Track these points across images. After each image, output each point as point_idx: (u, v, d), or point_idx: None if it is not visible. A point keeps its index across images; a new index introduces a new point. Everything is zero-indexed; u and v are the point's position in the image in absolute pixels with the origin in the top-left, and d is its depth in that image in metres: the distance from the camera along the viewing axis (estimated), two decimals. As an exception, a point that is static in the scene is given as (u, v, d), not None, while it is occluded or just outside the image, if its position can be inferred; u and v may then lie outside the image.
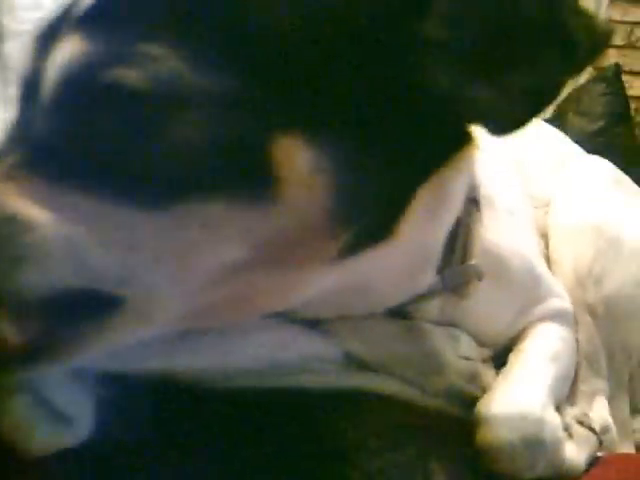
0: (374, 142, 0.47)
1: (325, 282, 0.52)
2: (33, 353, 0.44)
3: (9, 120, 0.53)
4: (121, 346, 0.47)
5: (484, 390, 0.66)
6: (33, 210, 0.42)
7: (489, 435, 0.61)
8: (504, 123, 0.47)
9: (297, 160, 0.44)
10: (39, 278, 0.42)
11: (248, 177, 0.44)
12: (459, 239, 0.63)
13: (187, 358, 0.53)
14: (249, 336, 0.55)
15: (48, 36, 0.46)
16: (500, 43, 0.45)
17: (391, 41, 0.46)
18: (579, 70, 0.46)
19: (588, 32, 0.45)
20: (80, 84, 0.42)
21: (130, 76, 0.41)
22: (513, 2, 0.44)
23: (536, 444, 0.62)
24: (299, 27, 0.44)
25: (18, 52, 0.57)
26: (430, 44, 0.45)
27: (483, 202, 0.66)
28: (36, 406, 0.48)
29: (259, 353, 0.56)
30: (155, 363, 0.51)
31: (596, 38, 0.46)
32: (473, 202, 0.65)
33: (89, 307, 0.44)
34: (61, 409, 0.48)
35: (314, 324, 0.61)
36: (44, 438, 0.48)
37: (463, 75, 0.45)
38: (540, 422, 0.63)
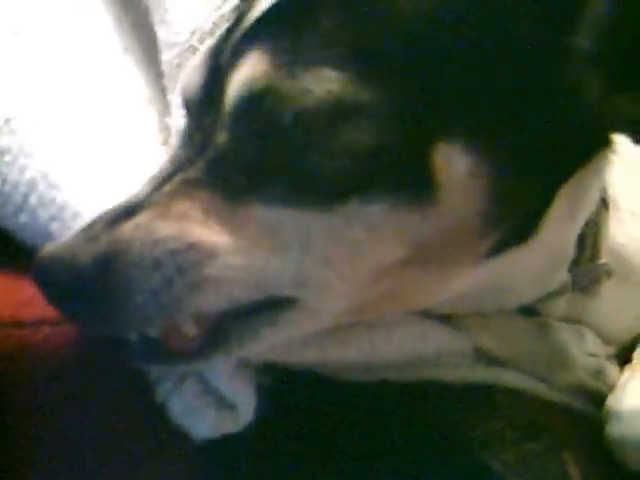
0: (523, 147, 0.49)
1: (469, 280, 0.54)
2: (209, 346, 0.48)
3: (175, 125, 0.57)
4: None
5: (609, 386, 0.68)
6: (213, 236, 0.45)
7: (620, 429, 0.62)
8: None
9: (456, 165, 0.47)
10: (218, 301, 0.46)
11: (410, 181, 0.47)
12: (588, 238, 0.65)
13: (338, 350, 0.56)
14: (394, 329, 0.58)
15: (222, 45, 0.50)
16: None
17: (542, 53, 0.48)
18: None
19: None
20: (263, 99, 0.45)
21: (309, 94, 0.44)
22: None
23: None
24: (456, 42, 0.47)
25: (174, 62, 0.61)
26: (580, 55, 0.48)
27: (609, 202, 0.68)
28: (205, 393, 0.52)
29: (403, 345, 0.58)
30: (310, 354, 0.54)
31: None
32: (602, 202, 0.66)
33: (263, 307, 0.48)
34: (227, 397, 0.52)
35: (446, 319, 0.63)
36: (212, 423, 0.52)
37: (611, 86, 0.48)
38: None
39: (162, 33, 0.63)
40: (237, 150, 0.47)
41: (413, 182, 0.47)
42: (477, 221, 0.49)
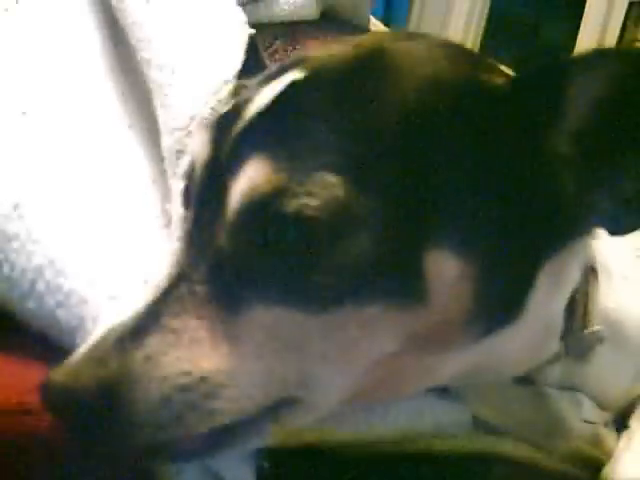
0: (507, 244, 0.52)
1: (460, 363, 0.56)
2: (215, 443, 0.50)
3: (176, 212, 0.59)
4: None
5: (606, 453, 0.68)
6: (222, 363, 0.47)
7: (617, 500, 0.63)
8: (621, 225, 0.52)
9: (446, 269, 0.49)
10: (228, 420, 0.47)
11: (403, 285, 0.49)
12: (578, 306, 0.66)
13: (334, 430, 0.57)
14: (390, 406, 0.59)
15: (222, 139, 0.52)
16: (616, 154, 0.50)
17: (522, 158, 0.51)
18: None
19: None
20: (264, 209, 0.47)
21: (312, 205, 0.46)
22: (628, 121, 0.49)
23: None
24: (439, 151, 0.50)
25: (174, 148, 0.64)
26: (558, 157, 0.51)
27: (599, 268, 0.69)
28: (205, 475, 0.53)
29: (398, 421, 0.60)
30: (308, 437, 0.56)
31: None
32: (590, 269, 0.67)
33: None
34: (227, 479, 0.53)
35: (443, 390, 0.64)
36: None
37: (587, 184, 0.51)
38: None
39: (162, 117, 0.66)
40: (238, 255, 0.48)
41: (406, 286, 0.49)
42: (465, 314, 0.51)
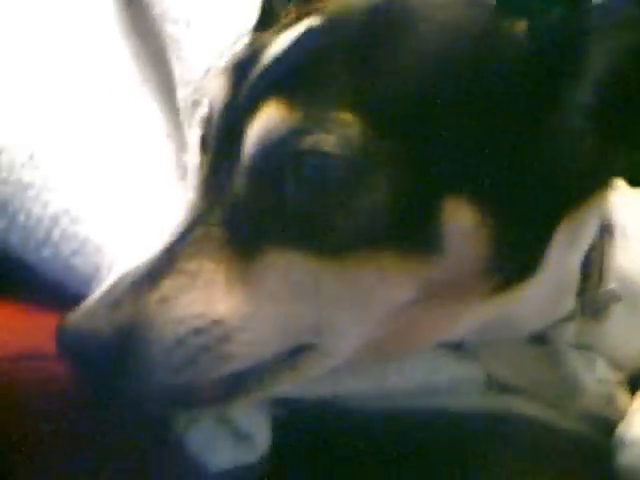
0: (524, 195, 0.51)
1: (477, 316, 0.56)
2: (230, 391, 0.49)
3: (191, 163, 0.59)
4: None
5: (620, 413, 0.68)
6: (237, 306, 0.46)
7: (630, 459, 0.63)
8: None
9: (463, 217, 0.49)
10: (242, 366, 0.47)
11: (420, 231, 0.49)
12: (594, 264, 0.66)
13: (350, 382, 0.57)
14: (405, 361, 0.59)
15: (239, 85, 0.52)
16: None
17: (542, 107, 0.50)
18: None
19: None
20: (281, 149, 0.47)
21: (328, 142, 0.46)
22: None
23: None
24: (457, 98, 0.49)
25: (190, 99, 0.63)
26: (578, 108, 0.50)
27: (615, 229, 0.68)
28: (221, 425, 0.53)
29: (414, 376, 0.59)
30: (324, 388, 0.56)
31: None
32: (606, 228, 0.67)
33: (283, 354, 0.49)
34: (242, 428, 0.53)
35: (458, 347, 0.64)
36: (229, 454, 0.53)
37: (608, 136, 0.50)
38: None
39: (178, 69, 0.65)
40: (254, 199, 0.48)
41: (421, 233, 0.49)
42: (481, 265, 0.51)
